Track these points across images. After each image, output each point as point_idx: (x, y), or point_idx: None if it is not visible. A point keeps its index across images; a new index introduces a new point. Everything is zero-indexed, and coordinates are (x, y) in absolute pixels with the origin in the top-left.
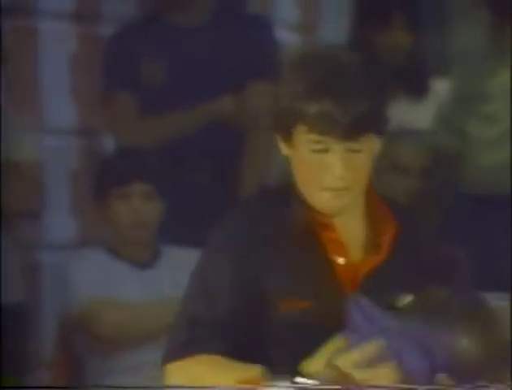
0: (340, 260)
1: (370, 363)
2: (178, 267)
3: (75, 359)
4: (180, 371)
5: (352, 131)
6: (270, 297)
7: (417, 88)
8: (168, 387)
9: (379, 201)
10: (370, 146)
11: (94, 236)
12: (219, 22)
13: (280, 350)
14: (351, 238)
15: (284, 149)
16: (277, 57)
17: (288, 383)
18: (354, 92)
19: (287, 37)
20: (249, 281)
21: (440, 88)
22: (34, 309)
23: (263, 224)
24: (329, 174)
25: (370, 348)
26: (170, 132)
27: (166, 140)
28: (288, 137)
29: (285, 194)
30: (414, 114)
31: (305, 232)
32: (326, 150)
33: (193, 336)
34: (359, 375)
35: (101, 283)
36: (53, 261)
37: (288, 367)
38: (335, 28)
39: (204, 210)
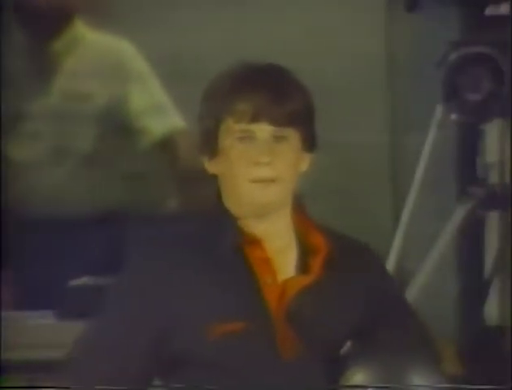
0: (269, 280)
1: None
2: None
3: None
4: None
5: (279, 116)
6: (198, 323)
7: None
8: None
9: (310, 221)
10: (293, 140)
11: None
12: None
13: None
14: (281, 258)
15: (211, 166)
16: None
17: None
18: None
19: None
20: (172, 308)
21: None
22: None
23: (190, 248)
24: (254, 162)
25: None
26: None
27: None
28: (213, 145)
29: (214, 216)
30: None
31: (233, 253)
32: (251, 138)
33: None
34: None
35: None
36: None
37: None
38: None
39: None
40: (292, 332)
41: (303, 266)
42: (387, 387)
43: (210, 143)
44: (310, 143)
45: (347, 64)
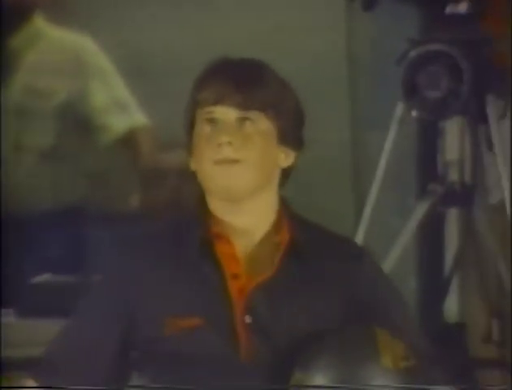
0: (233, 275)
1: None
2: None
3: None
4: None
5: (242, 99)
6: (156, 318)
7: None
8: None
9: (284, 214)
10: (269, 141)
11: None
12: None
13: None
14: (251, 253)
15: (192, 163)
16: None
17: None
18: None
19: None
20: (136, 304)
21: None
22: None
23: (160, 244)
24: (217, 143)
25: None
26: None
27: None
28: (191, 138)
29: (184, 212)
30: None
31: (201, 248)
32: (215, 120)
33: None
34: None
35: None
36: None
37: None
38: None
39: None
40: (250, 329)
41: (268, 261)
42: (342, 388)
43: (189, 137)
44: (289, 137)
45: (307, 62)
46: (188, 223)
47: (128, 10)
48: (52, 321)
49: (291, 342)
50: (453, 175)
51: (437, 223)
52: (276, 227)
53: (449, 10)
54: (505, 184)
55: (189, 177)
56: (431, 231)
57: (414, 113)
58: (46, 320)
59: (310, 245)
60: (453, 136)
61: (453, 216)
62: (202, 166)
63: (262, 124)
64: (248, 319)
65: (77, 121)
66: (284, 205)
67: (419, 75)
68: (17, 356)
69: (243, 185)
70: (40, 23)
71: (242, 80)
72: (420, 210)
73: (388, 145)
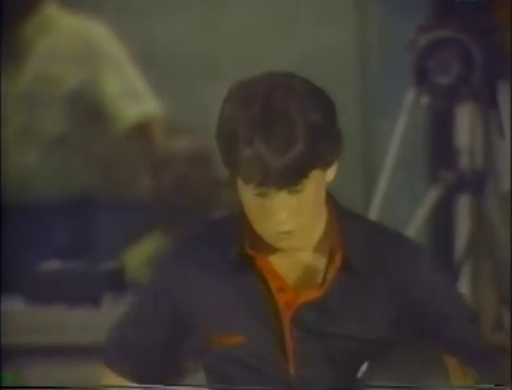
0: (279, 288)
1: None
2: None
3: None
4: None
5: (287, 177)
6: (202, 331)
7: None
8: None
9: (336, 221)
10: (317, 181)
11: None
12: None
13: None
14: (294, 268)
15: (230, 177)
16: None
17: None
18: (288, 133)
19: None
20: (179, 312)
21: None
22: None
23: (201, 254)
24: (272, 219)
25: None
26: None
27: None
28: (232, 177)
29: (227, 224)
30: None
31: (243, 262)
32: (265, 195)
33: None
34: None
35: None
36: None
37: None
38: None
39: None
40: (299, 346)
41: (318, 274)
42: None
43: (231, 170)
44: (332, 157)
45: (318, 51)
46: (229, 233)
47: None
48: (60, 307)
49: (344, 355)
50: (464, 163)
51: (448, 210)
52: (325, 236)
53: None
54: None
55: (199, 163)
56: (442, 219)
57: (424, 100)
58: (54, 306)
59: (360, 252)
60: (464, 122)
61: (464, 203)
62: (256, 228)
63: (311, 182)
64: (296, 333)
65: (88, 109)
66: (332, 203)
67: (430, 62)
68: (25, 342)
69: (299, 245)
70: (51, 10)
71: (279, 144)
72: (431, 197)
73: (399, 132)
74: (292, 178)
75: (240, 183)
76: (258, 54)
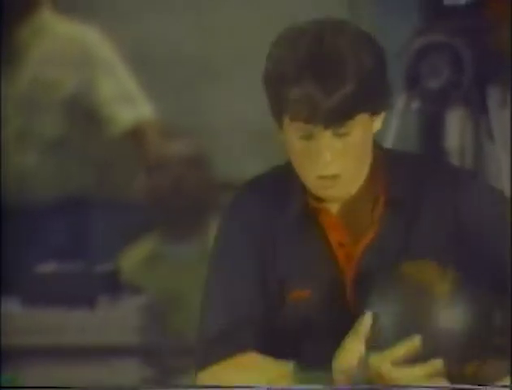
0: (338, 243)
1: (407, 362)
2: None
3: None
4: (211, 377)
5: (335, 116)
6: (281, 289)
7: None
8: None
9: (380, 166)
10: (364, 127)
11: None
12: None
13: (303, 344)
14: (349, 218)
15: (280, 134)
16: None
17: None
18: (339, 73)
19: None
20: (266, 273)
21: None
22: None
23: (269, 212)
24: (316, 162)
25: (406, 346)
26: None
27: None
28: (279, 122)
29: (284, 179)
30: None
31: (304, 217)
32: (311, 137)
33: (224, 337)
34: (396, 374)
35: None
36: None
37: (316, 362)
38: None
39: None
40: (362, 297)
41: (368, 219)
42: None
43: (276, 116)
44: (379, 107)
45: None
46: (287, 192)
47: (134, 1)
48: (57, 309)
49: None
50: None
51: None
52: (371, 180)
53: (448, 1)
54: (506, 173)
55: (194, 165)
56: None
57: (415, 104)
58: (52, 308)
59: (407, 188)
60: (455, 126)
61: None
62: (302, 174)
63: (355, 129)
64: (358, 287)
65: (85, 112)
66: (378, 150)
67: (421, 66)
68: (23, 343)
69: (346, 192)
70: (47, 15)
71: (327, 85)
72: None
73: (390, 136)
74: (339, 118)
75: (286, 126)
76: (254, 56)
